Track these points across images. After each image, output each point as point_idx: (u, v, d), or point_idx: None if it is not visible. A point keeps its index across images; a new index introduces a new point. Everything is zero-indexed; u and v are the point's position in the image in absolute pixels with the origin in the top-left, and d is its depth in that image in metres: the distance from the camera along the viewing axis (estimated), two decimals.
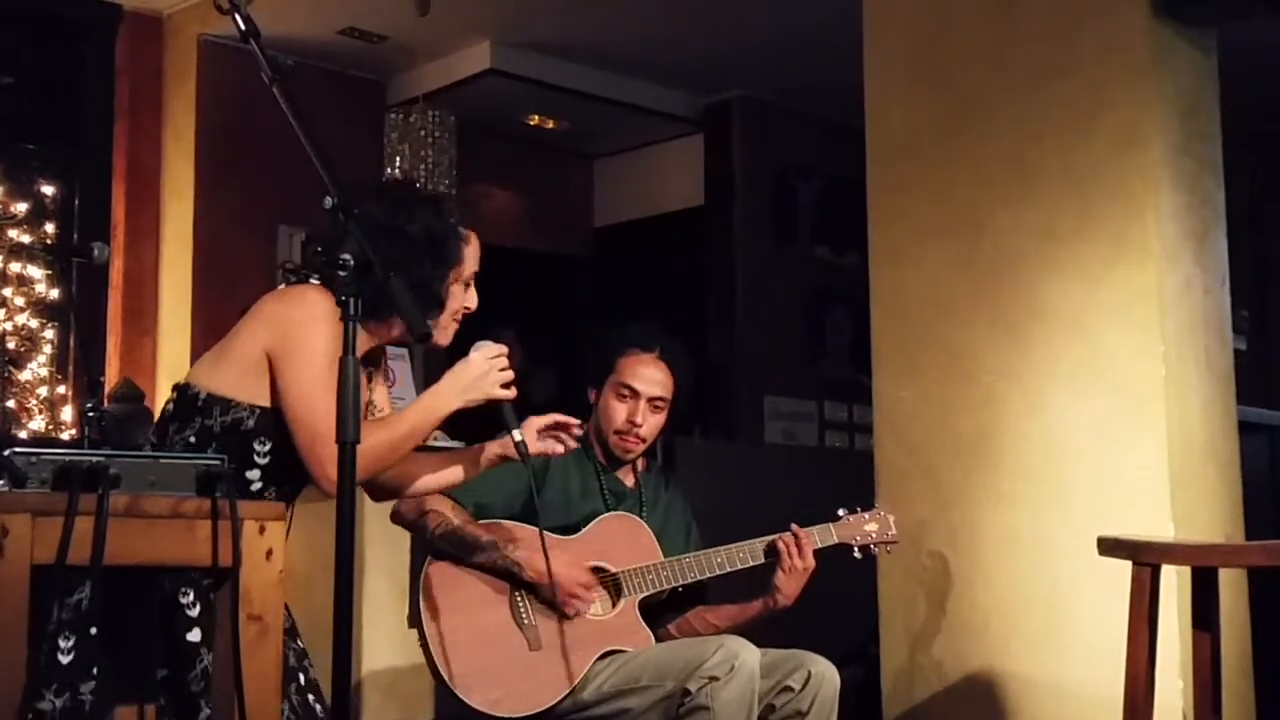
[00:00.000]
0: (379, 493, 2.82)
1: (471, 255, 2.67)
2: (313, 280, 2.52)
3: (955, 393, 3.59)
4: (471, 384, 2.60)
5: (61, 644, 2.24)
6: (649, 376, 3.28)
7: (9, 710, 1.79)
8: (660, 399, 3.29)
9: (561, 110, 6.97)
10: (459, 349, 2.71)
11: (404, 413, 2.64)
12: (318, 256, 2.54)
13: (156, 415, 2.59)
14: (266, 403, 2.46)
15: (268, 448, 2.47)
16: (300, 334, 2.43)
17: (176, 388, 2.53)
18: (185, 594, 2.35)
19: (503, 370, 2.62)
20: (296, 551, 2.62)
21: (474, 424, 2.98)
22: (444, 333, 2.66)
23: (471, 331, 2.73)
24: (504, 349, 2.65)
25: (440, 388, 2.62)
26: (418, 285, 2.46)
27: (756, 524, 3.26)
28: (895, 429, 3.70)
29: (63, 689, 2.24)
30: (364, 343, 2.59)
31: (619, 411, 3.28)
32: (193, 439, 2.45)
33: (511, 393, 2.64)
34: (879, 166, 3.83)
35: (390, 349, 2.81)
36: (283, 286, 2.60)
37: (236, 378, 2.46)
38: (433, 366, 5.70)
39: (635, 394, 3.27)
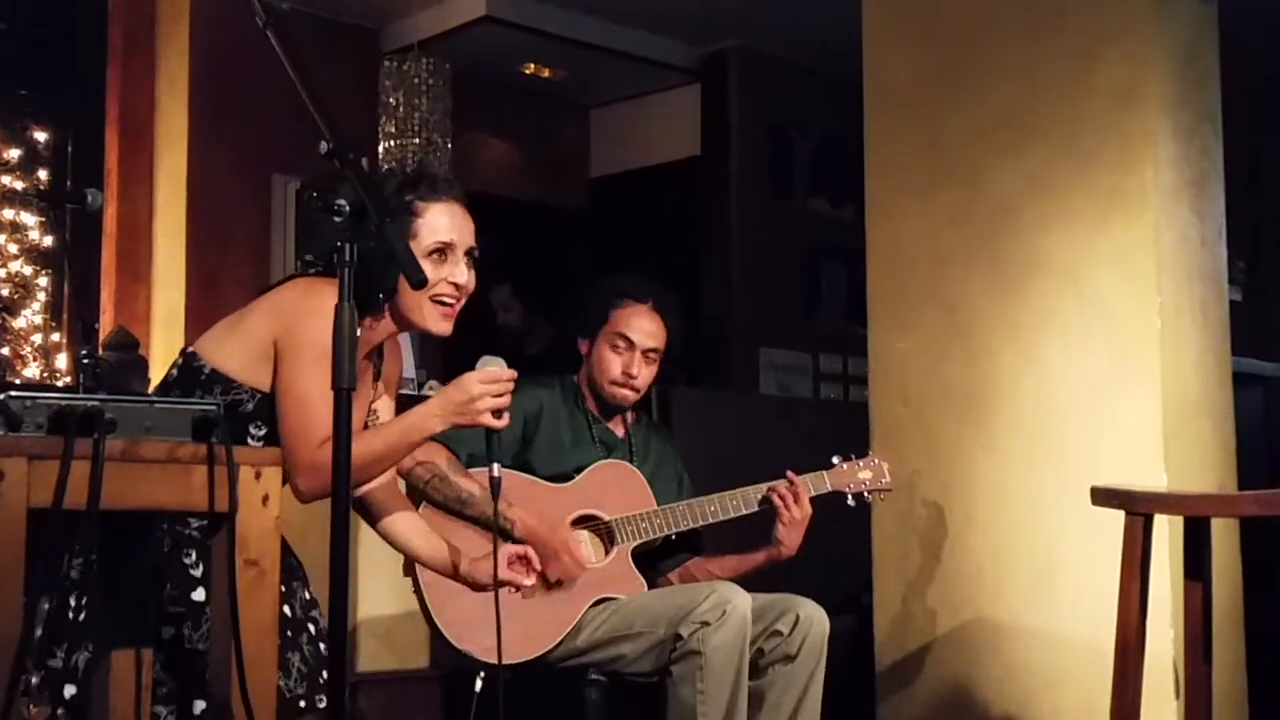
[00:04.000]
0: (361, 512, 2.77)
1: (436, 226, 2.53)
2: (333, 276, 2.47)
3: (950, 345, 3.60)
4: (460, 408, 2.46)
5: (72, 602, 2.24)
6: (644, 328, 3.28)
7: (10, 651, 1.80)
8: (654, 350, 3.29)
9: (557, 59, 6.92)
10: (468, 349, 2.61)
11: (383, 428, 2.54)
12: (313, 202, 2.52)
13: (158, 360, 2.58)
14: (267, 389, 2.43)
15: (263, 432, 2.45)
16: (309, 333, 2.38)
17: (184, 354, 2.51)
18: (188, 554, 2.35)
19: (498, 397, 2.47)
20: (291, 501, 2.63)
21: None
22: (424, 315, 2.53)
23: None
24: (506, 374, 2.49)
25: (429, 407, 2.49)
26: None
27: (750, 475, 3.27)
28: (890, 381, 3.71)
29: (74, 647, 2.25)
30: (368, 340, 2.55)
31: (614, 363, 3.28)
32: None
33: (503, 422, 2.50)
34: (876, 118, 3.82)
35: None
36: (303, 277, 2.55)
37: (241, 359, 2.44)
38: (429, 344, 5.69)
39: (631, 345, 3.27)
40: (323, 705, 2.45)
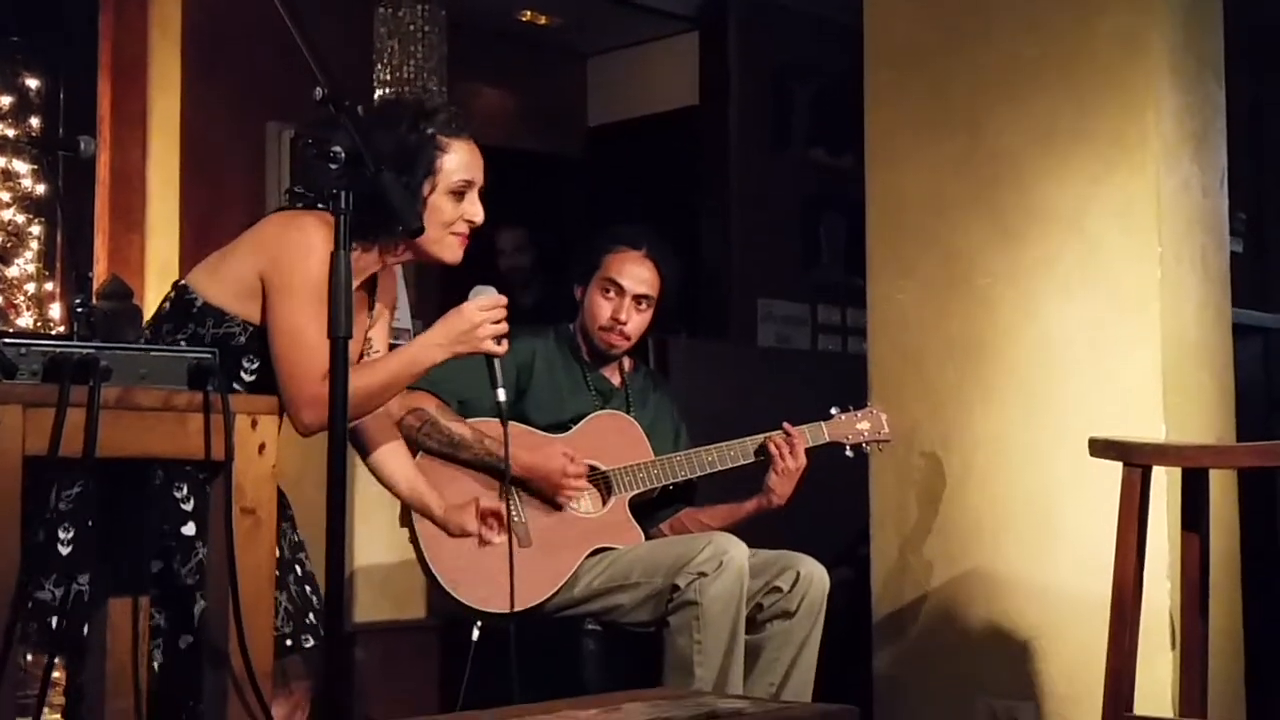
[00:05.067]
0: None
1: (458, 164, 2.56)
2: (318, 207, 2.47)
3: (950, 295, 3.58)
4: (461, 336, 2.51)
5: (61, 535, 2.25)
6: (634, 274, 3.26)
7: (5, 600, 1.79)
8: (645, 296, 3.27)
9: (554, 6, 6.86)
10: (460, 287, 2.64)
11: (386, 359, 2.57)
12: (308, 149, 2.51)
13: (152, 309, 2.58)
14: (258, 322, 2.43)
15: (255, 366, 2.45)
16: (294, 265, 2.38)
17: (176, 286, 2.51)
18: (179, 488, 2.36)
19: (496, 324, 2.53)
20: (286, 449, 2.61)
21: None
22: (443, 247, 2.58)
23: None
24: (501, 300, 2.56)
25: (430, 337, 2.54)
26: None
27: (748, 426, 3.27)
28: (889, 331, 3.69)
29: (61, 579, 2.26)
30: (364, 269, 2.55)
31: (604, 308, 3.26)
32: (183, 343, 2.43)
33: (502, 348, 2.56)
34: (877, 66, 3.78)
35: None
36: (285, 210, 2.55)
37: (231, 292, 2.43)
38: (425, 285, 5.67)
39: (620, 290, 3.26)
40: (309, 645, 2.46)
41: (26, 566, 1.83)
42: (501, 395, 2.64)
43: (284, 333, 2.39)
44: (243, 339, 2.43)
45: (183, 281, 2.51)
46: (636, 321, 3.27)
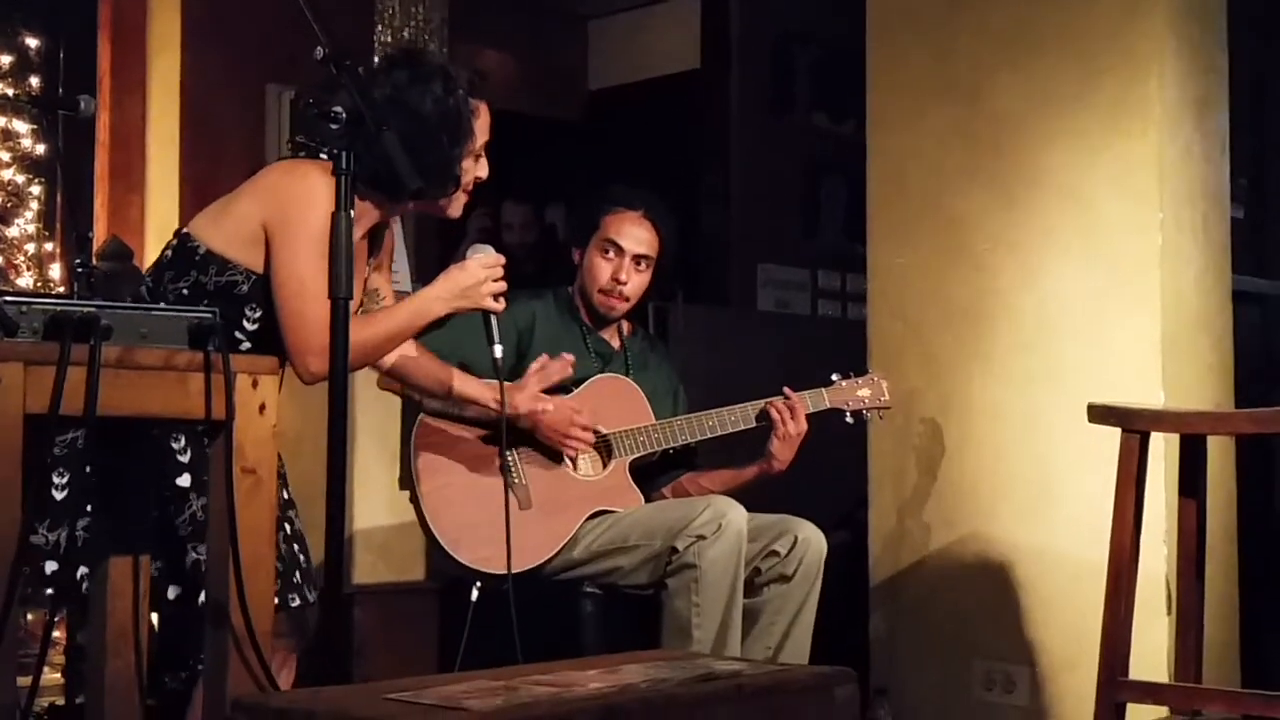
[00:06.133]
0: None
1: (482, 127, 2.65)
2: (321, 156, 2.47)
3: (950, 261, 3.58)
4: (464, 292, 2.63)
5: (56, 480, 2.26)
6: (633, 234, 3.26)
7: (7, 558, 1.80)
8: (645, 257, 3.27)
9: None
10: (454, 238, 2.70)
11: (390, 313, 2.63)
12: (309, 109, 2.50)
13: (154, 260, 2.58)
14: (261, 270, 2.44)
15: (258, 314, 2.45)
16: (297, 214, 2.40)
17: (178, 234, 2.51)
18: (176, 439, 2.36)
19: (496, 281, 2.65)
20: (286, 412, 2.62)
21: None
22: (454, 204, 2.66)
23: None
24: (500, 259, 2.67)
25: (432, 291, 2.63)
26: (438, 165, 2.45)
27: (748, 390, 3.27)
28: (889, 297, 3.69)
29: (56, 524, 2.27)
30: (367, 218, 2.56)
31: (603, 269, 3.26)
32: (185, 291, 2.44)
33: (500, 305, 2.68)
34: (879, 31, 3.77)
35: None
36: (288, 159, 2.56)
37: (234, 240, 2.44)
38: (423, 240, 5.66)
39: (620, 251, 3.26)
40: (294, 605, 2.47)
41: (23, 512, 1.84)
42: (498, 351, 2.72)
43: (288, 283, 2.40)
44: (245, 287, 2.43)
45: (185, 230, 2.51)
46: (636, 282, 3.27)
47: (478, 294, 2.64)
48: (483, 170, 2.67)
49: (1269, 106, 5.55)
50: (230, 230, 2.45)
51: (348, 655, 3.67)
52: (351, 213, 2.10)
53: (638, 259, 3.26)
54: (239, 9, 5.76)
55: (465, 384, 2.93)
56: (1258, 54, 5.33)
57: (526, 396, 3.02)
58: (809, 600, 3.13)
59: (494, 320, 2.71)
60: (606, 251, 3.26)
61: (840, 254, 6.72)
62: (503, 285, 2.67)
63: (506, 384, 2.86)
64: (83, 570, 2.29)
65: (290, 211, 2.40)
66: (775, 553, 3.11)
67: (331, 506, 2.11)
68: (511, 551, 2.91)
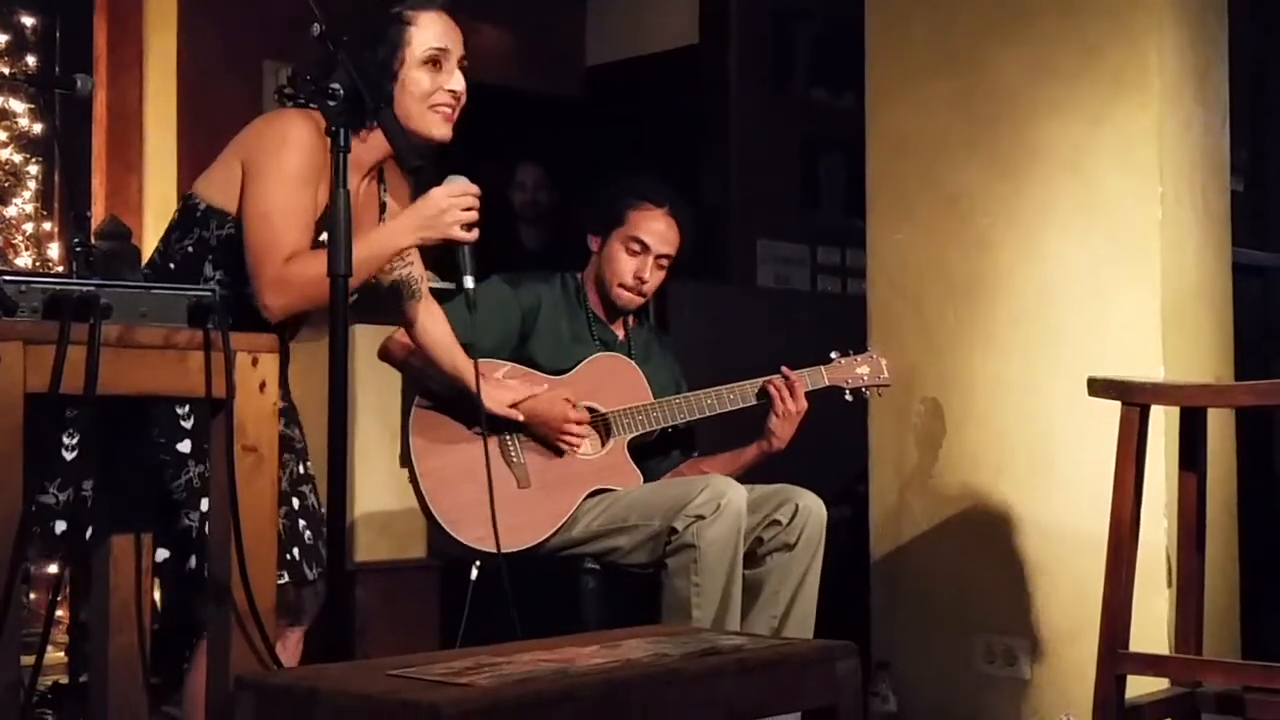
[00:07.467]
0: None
1: (431, 35, 2.52)
2: (310, 106, 2.46)
3: (950, 235, 3.57)
4: (427, 221, 2.45)
5: (66, 440, 2.27)
6: (660, 233, 3.26)
7: (10, 535, 1.80)
8: (667, 256, 3.28)
9: None
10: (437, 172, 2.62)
11: (357, 244, 2.47)
12: (307, 85, 2.49)
13: (150, 249, 2.59)
14: None
15: None
16: (268, 154, 2.40)
17: (183, 196, 2.54)
18: (181, 404, 2.37)
19: (466, 210, 2.46)
20: (290, 386, 2.62)
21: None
22: (427, 122, 2.53)
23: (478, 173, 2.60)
24: (472, 188, 2.48)
25: (396, 222, 2.50)
26: (369, 74, 2.29)
27: (748, 367, 3.27)
28: (888, 272, 3.69)
29: (66, 484, 2.28)
30: (360, 160, 2.51)
31: (627, 265, 3.26)
32: (190, 249, 2.45)
33: (473, 235, 2.48)
34: (878, 5, 3.75)
35: None
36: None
37: (226, 192, 2.45)
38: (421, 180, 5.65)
39: (645, 249, 3.26)
40: (283, 581, 2.46)
41: (31, 470, 1.84)
42: (469, 283, 2.56)
43: (252, 217, 2.39)
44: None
45: (189, 191, 2.54)
46: (656, 279, 3.30)
47: (442, 223, 2.44)
48: (448, 81, 2.53)
49: (1268, 69, 5.54)
50: (220, 182, 2.46)
51: (350, 632, 3.68)
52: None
53: (660, 257, 3.27)
54: None
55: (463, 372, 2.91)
56: (1259, 10, 5.31)
57: (509, 395, 3.02)
58: (812, 567, 3.13)
59: (466, 251, 2.53)
60: (632, 249, 3.26)
61: (840, 229, 6.70)
62: (473, 215, 2.47)
63: (503, 384, 2.86)
64: (90, 530, 2.30)
65: (261, 149, 2.41)
66: (777, 522, 3.11)
67: (333, 485, 2.11)
68: (510, 530, 2.91)
